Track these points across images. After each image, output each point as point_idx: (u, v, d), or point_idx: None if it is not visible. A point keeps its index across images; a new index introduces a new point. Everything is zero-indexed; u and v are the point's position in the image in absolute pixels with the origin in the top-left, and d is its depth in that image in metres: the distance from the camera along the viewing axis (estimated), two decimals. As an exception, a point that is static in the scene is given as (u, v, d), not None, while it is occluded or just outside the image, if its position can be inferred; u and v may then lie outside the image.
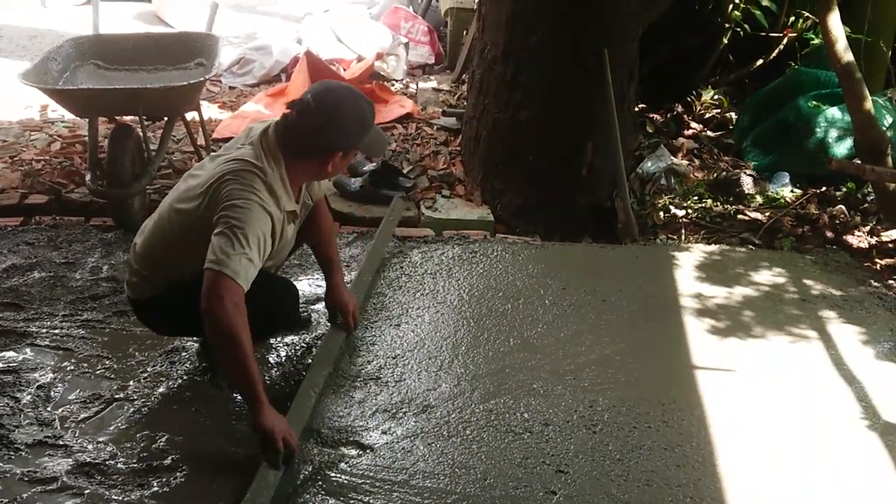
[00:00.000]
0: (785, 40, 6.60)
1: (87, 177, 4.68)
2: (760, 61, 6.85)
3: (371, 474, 2.97)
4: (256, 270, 2.94)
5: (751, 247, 5.07)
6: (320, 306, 3.97)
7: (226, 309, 2.79)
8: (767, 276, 4.60)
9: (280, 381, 3.49)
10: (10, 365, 3.48)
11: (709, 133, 6.63)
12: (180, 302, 3.12)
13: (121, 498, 2.81)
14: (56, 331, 3.73)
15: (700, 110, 6.77)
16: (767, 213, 5.44)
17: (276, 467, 2.87)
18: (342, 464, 3.01)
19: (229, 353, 2.85)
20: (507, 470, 3.03)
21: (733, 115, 6.75)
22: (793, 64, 6.45)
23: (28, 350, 3.60)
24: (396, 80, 7.81)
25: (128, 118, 5.02)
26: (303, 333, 3.83)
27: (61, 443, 3.05)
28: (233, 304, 2.80)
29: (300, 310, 3.85)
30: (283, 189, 3.09)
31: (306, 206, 3.47)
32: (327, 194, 3.74)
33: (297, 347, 3.73)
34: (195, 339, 3.61)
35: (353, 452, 3.08)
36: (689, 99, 6.80)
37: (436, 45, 8.55)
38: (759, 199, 5.66)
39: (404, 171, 5.56)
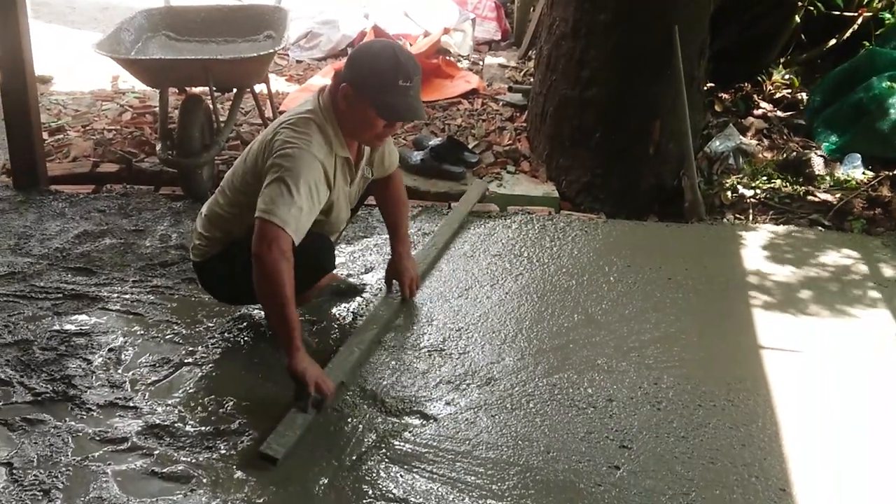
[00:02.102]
0: (859, 19, 6.45)
1: (158, 146, 4.75)
2: (833, 41, 6.71)
3: (434, 444, 2.98)
4: (309, 219, 3.04)
5: (820, 229, 4.99)
6: (372, 276, 4.05)
7: (272, 255, 2.91)
8: (836, 259, 4.53)
9: (326, 347, 3.51)
10: (83, 328, 3.56)
11: (779, 113, 6.52)
12: (240, 262, 3.20)
13: (189, 459, 2.86)
14: (126, 296, 3.79)
15: (770, 90, 6.66)
16: (838, 195, 5.35)
17: (305, 410, 2.99)
18: (406, 433, 3.03)
19: (270, 298, 3.00)
20: (570, 444, 3.02)
21: (804, 95, 6.63)
22: (867, 44, 6.30)
23: (99, 314, 3.67)
24: (463, 56, 7.79)
25: (197, 89, 5.07)
26: (352, 300, 3.87)
27: (131, 404, 3.11)
28: (279, 251, 2.91)
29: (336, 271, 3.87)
30: (335, 136, 3.16)
31: (364, 178, 3.49)
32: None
33: (346, 315, 3.78)
34: (260, 307, 3.66)
35: (417, 422, 3.09)
36: (759, 78, 6.70)
37: (502, 21, 8.52)
38: (829, 180, 5.56)
39: (469, 147, 5.55)
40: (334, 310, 3.79)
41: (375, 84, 3.07)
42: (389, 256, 3.83)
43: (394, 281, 3.82)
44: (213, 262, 3.35)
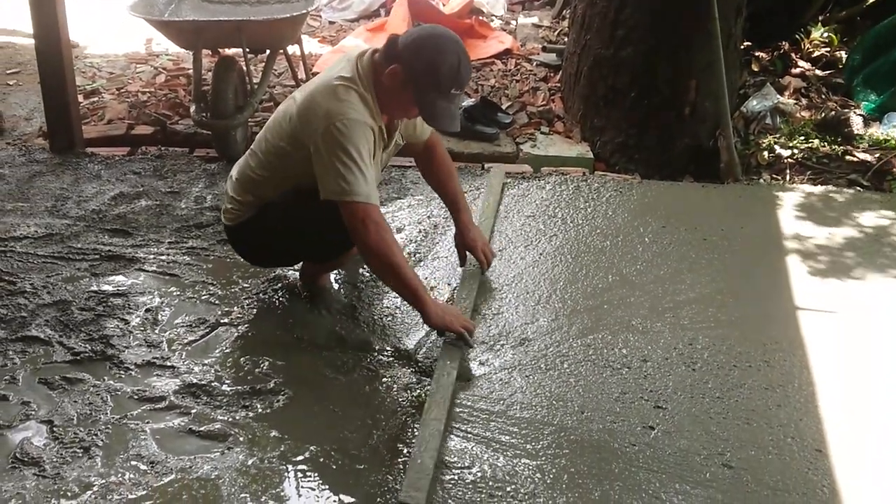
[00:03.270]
0: (901, -25, 6.33)
1: (192, 108, 4.76)
2: (874, -3, 6.60)
3: (469, 403, 2.99)
4: (376, 180, 3.04)
5: (858, 188, 4.93)
6: (402, 236, 4.02)
7: (370, 232, 2.93)
8: (874, 219, 4.47)
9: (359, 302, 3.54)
10: (120, 289, 3.60)
11: (817, 72, 6.42)
12: (273, 226, 3.23)
13: (226, 418, 2.89)
14: (163, 257, 3.83)
15: (808, 48, 6.56)
16: (877, 155, 5.27)
17: (469, 345, 3.21)
18: (440, 393, 3.04)
19: (385, 271, 3.06)
20: (604, 404, 3.02)
21: (843, 53, 6.53)
22: (909, 0, 6.20)
23: (136, 275, 3.71)
24: (496, 16, 7.74)
25: (231, 51, 5.08)
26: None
27: (169, 364, 3.15)
28: (374, 224, 2.94)
29: None
30: (374, 104, 3.08)
31: (397, 144, 3.47)
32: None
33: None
34: (295, 268, 3.67)
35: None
36: (797, 37, 6.59)
37: (536, -19, 8.45)
38: (868, 139, 5.48)
39: (503, 107, 5.52)
40: (363, 269, 3.81)
41: (429, 82, 3.01)
42: (424, 224, 3.80)
43: (467, 253, 3.70)
44: (245, 227, 3.33)
